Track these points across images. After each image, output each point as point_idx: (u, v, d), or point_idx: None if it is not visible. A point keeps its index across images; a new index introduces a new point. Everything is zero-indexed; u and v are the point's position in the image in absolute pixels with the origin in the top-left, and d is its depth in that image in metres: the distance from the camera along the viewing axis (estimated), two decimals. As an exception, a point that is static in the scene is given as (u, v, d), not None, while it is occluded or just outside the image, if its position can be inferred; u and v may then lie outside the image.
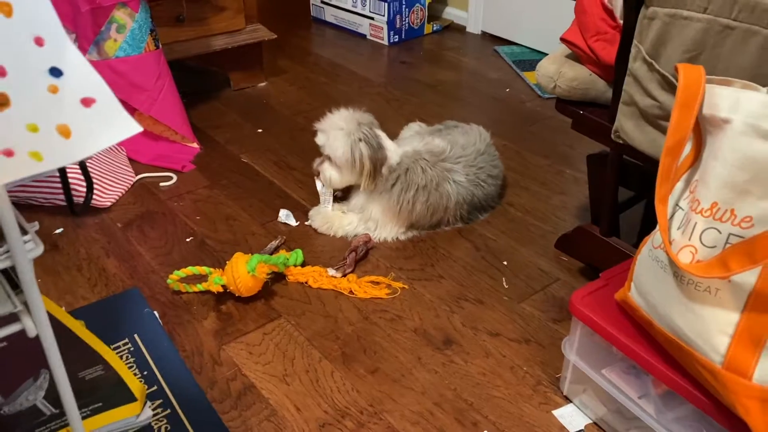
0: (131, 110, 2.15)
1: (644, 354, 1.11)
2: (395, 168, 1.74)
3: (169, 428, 1.21)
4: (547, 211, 1.96)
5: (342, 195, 1.93)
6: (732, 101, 0.95)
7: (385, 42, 3.18)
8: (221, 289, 1.50)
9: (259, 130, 2.41)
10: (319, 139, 1.75)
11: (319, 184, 1.86)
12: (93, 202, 1.89)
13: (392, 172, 1.74)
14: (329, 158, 1.73)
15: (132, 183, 2.03)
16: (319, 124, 1.75)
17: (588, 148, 2.25)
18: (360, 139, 1.69)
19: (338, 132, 1.70)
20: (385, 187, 1.75)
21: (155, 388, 1.30)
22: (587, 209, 1.95)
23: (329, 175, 1.77)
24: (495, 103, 2.71)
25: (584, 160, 1.73)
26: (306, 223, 1.85)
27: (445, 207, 1.79)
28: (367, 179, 1.72)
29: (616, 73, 1.37)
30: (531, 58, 3.02)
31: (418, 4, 3.20)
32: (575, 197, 2.04)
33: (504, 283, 1.65)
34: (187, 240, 1.79)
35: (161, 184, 2.04)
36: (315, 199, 1.95)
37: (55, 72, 0.65)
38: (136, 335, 1.38)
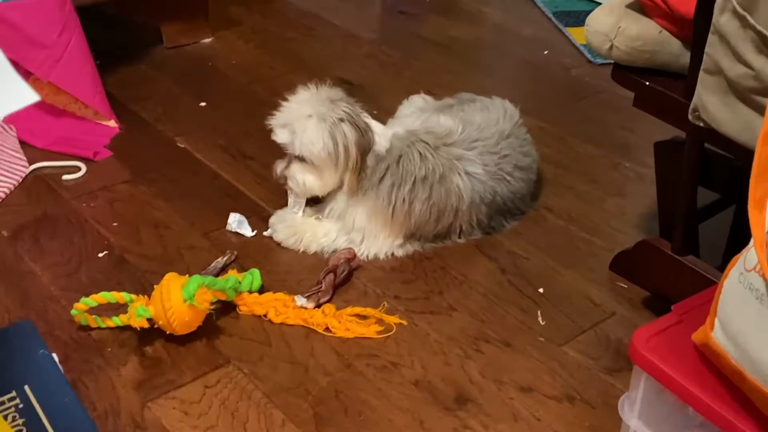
0: (25, 74, 2.14)
1: (732, 418, 1.11)
2: (384, 156, 1.74)
3: None
4: (599, 220, 1.96)
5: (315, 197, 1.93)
6: None
7: (378, -16, 3.19)
8: (147, 324, 1.49)
9: (202, 104, 2.41)
10: (280, 137, 1.75)
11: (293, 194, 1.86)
12: (-31, 201, 1.89)
13: (380, 162, 1.74)
14: (299, 158, 1.73)
15: (23, 176, 2.02)
16: (275, 118, 1.75)
17: (656, 132, 2.25)
18: (341, 120, 1.69)
19: (307, 121, 1.70)
20: (371, 183, 1.75)
21: (53, 462, 1.29)
22: (654, 217, 1.95)
23: (303, 181, 1.76)
24: (528, 69, 2.73)
25: (650, 149, 1.73)
26: (266, 233, 1.85)
27: (454, 209, 1.79)
28: (353, 175, 1.72)
29: (695, 29, 1.37)
30: (578, 9, 3.04)
31: (423, -67, 3.21)
32: (638, 200, 2.05)
33: (539, 319, 1.65)
34: (100, 255, 1.78)
35: (65, 177, 2.03)
36: (279, 200, 1.94)
37: None
38: (26, 387, 1.37)
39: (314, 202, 1.90)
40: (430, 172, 1.74)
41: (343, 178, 1.73)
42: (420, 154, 1.75)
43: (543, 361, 1.54)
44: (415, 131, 1.80)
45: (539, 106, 2.44)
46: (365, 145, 1.71)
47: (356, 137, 1.69)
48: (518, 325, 1.63)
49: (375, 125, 1.77)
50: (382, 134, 1.76)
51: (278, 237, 1.82)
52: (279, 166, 1.80)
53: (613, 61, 1.57)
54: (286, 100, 1.76)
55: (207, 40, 2.76)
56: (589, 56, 2.73)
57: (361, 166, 1.72)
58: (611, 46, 1.52)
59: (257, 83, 2.53)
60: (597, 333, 1.62)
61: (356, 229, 1.78)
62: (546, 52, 2.80)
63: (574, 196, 2.05)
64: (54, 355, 1.43)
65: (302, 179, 1.76)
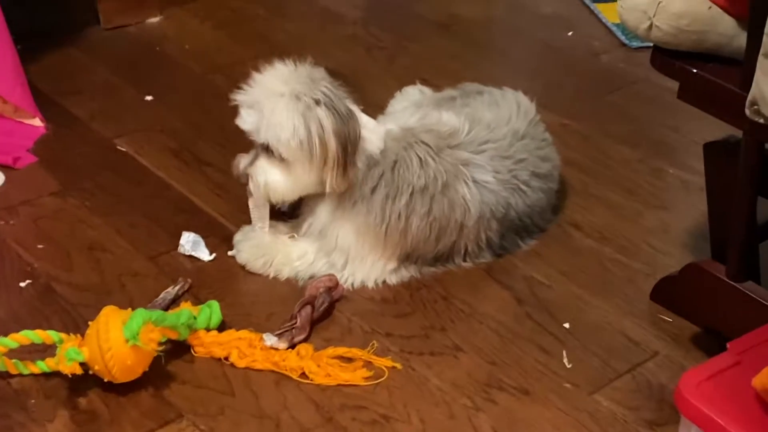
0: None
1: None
2: (377, 159, 1.74)
3: None
4: (636, 238, 1.97)
5: (289, 210, 1.92)
6: None
7: (364, -49, 3.20)
8: (79, 371, 1.48)
9: (148, 98, 2.41)
10: (245, 121, 1.74)
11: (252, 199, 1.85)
12: None
13: (372, 168, 1.74)
14: (266, 149, 1.73)
15: (-73, 186, 2.02)
16: (242, 94, 1.74)
17: (705, 131, 2.26)
18: (317, 102, 1.69)
19: (278, 100, 1.69)
20: (362, 194, 1.75)
21: None
22: (704, 235, 1.95)
23: (269, 181, 1.75)
24: (548, 54, 2.74)
25: (698, 151, 1.74)
26: (230, 253, 1.85)
27: (459, 224, 1.79)
28: (334, 173, 1.71)
29: (751, 5, 1.38)
30: (608, -19, 3.05)
31: None
32: (684, 214, 2.05)
33: (565, 361, 1.64)
34: (22, 285, 1.77)
35: (-22, 188, 2.03)
36: (243, 216, 1.94)
37: None
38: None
39: (287, 217, 1.90)
40: (431, 180, 1.75)
41: (324, 177, 1.72)
42: (419, 158, 1.75)
43: (569, 413, 1.54)
44: (412, 130, 1.80)
45: (562, 100, 2.45)
46: (347, 136, 1.69)
47: (334, 125, 1.67)
48: (539, 368, 1.63)
49: (365, 119, 1.77)
50: (373, 131, 1.76)
51: (242, 258, 1.82)
52: (242, 161, 1.78)
53: (652, 44, 1.57)
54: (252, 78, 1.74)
55: (154, 20, 2.77)
56: (623, 38, 2.75)
57: (346, 161, 1.70)
58: (650, 26, 1.53)
59: (215, 72, 2.53)
60: (635, 377, 1.62)
61: (339, 249, 1.78)
62: (570, 34, 2.82)
63: (606, 209, 2.05)
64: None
65: (269, 179, 1.74)
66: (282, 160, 1.72)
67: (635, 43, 2.69)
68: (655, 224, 2.01)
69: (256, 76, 1.73)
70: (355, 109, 1.75)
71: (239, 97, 1.74)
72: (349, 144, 1.69)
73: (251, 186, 1.78)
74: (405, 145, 1.76)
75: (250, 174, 1.76)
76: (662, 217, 2.03)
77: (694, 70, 1.52)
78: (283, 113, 1.68)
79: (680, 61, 1.54)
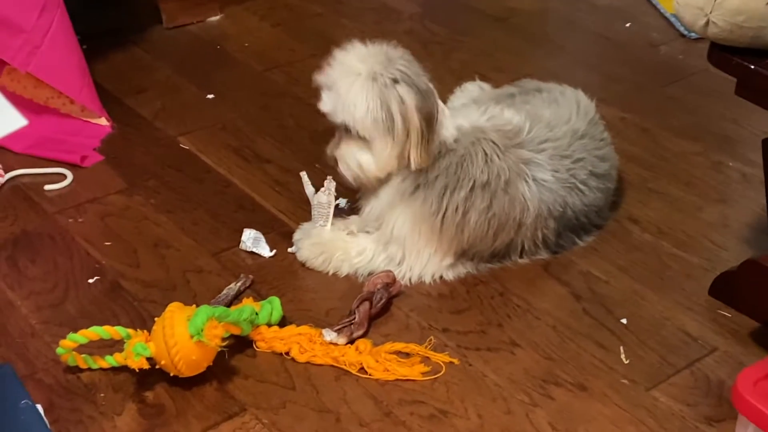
0: (-1, 65, 2.20)
1: None
2: (451, 148, 1.75)
3: None
4: (695, 233, 1.96)
5: (347, 209, 1.94)
6: None
7: (421, -55, 3.20)
8: (146, 365, 1.51)
9: (210, 96, 2.44)
10: (325, 103, 1.76)
11: (309, 189, 1.88)
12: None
13: (442, 156, 1.75)
14: (346, 130, 1.75)
15: (-1, 185, 2.08)
16: (322, 76, 1.75)
17: (766, 123, 2.23)
18: (395, 80, 1.69)
19: (354, 79, 1.70)
20: (425, 180, 1.76)
21: None
22: (765, 229, 1.94)
23: (357, 162, 1.76)
24: (606, 47, 2.72)
25: (759, 145, 1.72)
26: (290, 250, 1.88)
27: (518, 222, 1.80)
28: (419, 148, 1.70)
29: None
30: (667, -29, 3.02)
31: None
32: (744, 208, 2.03)
33: (622, 357, 1.65)
34: (90, 281, 1.81)
35: (47, 187, 2.08)
36: (302, 213, 1.97)
37: None
38: (5, 442, 1.40)
39: (348, 212, 1.91)
40: (494, 177, 1.75)
41: (407, 153, 1.72)
42: (485, 154, 1.76)
43: (627, 409, 1.54)
44: (482, 128, 1.81)
45: (620, 93, 2.43)
46: (429, 111, 1.70)
47: (416, 100, 1.68)
48: (596, 364, 1.63)
49: (441, 104, 1.78)
50: (449, 119, 1.77)
51: (302, 256, 1.84)
52: (330, 145, 1.80)
53: (710, 39, 1.56)
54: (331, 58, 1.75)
55: (215, 18, 2.80)
56: (681, 29, 2.72)
57: (430, 137, 1.71)
58: (707, 22, 1.52)
59: (275, 70, 2.56)
60: (694, 374, 1.61)
61: (395, 240, 1.79)
62: (628, 25, 2.80)
63: (665, 203, 2.04)
64: (39, 406, 1.46)
65: (356, 159, 1.75)
66: (362, 138, 1.73)
67: (694, 34, 2.66)
68: (715, 218, 1.99)
69: (335, 55, 1.74)
70: (434, 89, 1.76)
71: (319, 79, 1.75)
72: (430, 119, 1.70)
73: (341, 168, 1.79)
74: (473, 140, 1.77)
75: (336, 156, 1.78)
76: (722, 211, 2.02)
77: (752, 66, 1.51)
78: (357, 92, 1.69)
79: (737, 57, 1.53)
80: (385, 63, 1.70)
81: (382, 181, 1.79)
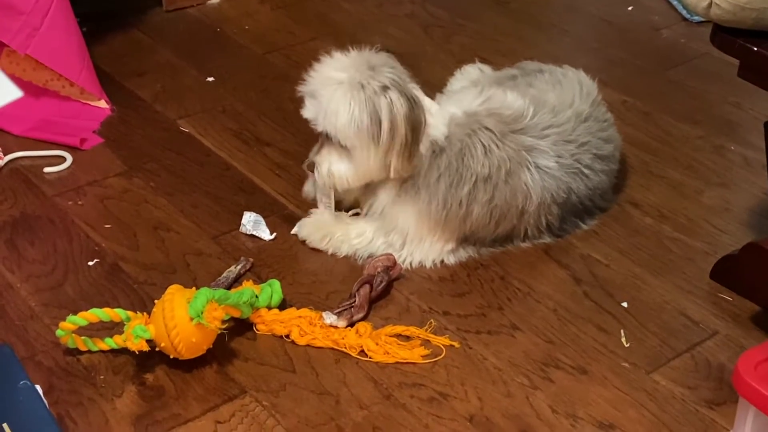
0: (-2, 47, 2.19)
1: None
2: (442, 146, 1.75)
3: None
4: (696, 216, 1.95)
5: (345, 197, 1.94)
6: None
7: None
8: (146, 347, 1.51)
9: (210, 79, 2.44)
10: (308, 110, 1.75)
11: (308, 185, 1.87)
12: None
13: (438, 156, 1.74)
14: (328, 137, 1.74)
15: (-1, 168, 2.08)
16: (304, 85, 1.75)
17: (767, 109, 2.23)
18: (385, 87, 1.69)
19: (335, 88, 1.70)
20: (425, 182, 1.75)
21: None
22: (766, 213, 1.94)
23: (334, 171, 1.76)
24: (608, 31, 2.71)
25: (761, 129, 1.72)
26: (292, 231, 1.88)
27: (520, 210, 1.80)
28: (401, 158, 1.70)
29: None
30: (670, -46, 3.01)
31: None
32: (745, 192, 2.03)
33: (623, 340, 1.65)
34: (90, 264, 1.81)
35: (46, 169, 2.08)
36: (302, 195, 1.97)
37: None
38: (5, 425, 1.40)
39: (346, 206, 1.91)
40: (494, 169, 1.75)
41: (388, 162, 1.72)
42: (483, 146, 1.75)
43: (627, 392, 1.54)
44: (476, 114, 1.79)
45: (621, 77, 2.43)
46: (416, 120, 1.70)
47: (406, 109, 1.68)
48: (596, 347, 1.63)
49: (428, 103, 1.77)
50: (437, 115, 1.76)
51: (303, 234, 1.84)
52: (312, 151, 1.79)
53: (713, 22, 1.56)
54: (312, 68, 1.75)
55: (215, 1, 2.79)
56: (684, 12, 2.72)
57: (413, 147, 1.71)
58: (710, 4, 1.51)
59: (275, 53, 2.56)
60: (694, 357, 1.61)
61: (398, 230, 1.80)
62: (630, 9, 2.79)
63: (666, 187, 2.04)
64: (38, 387, 1.47)
65: (333, 169, 1.75)
66: (343, 147, 1.72)
67: (696, 18, 2.65)
68: (716, 202, 1.99)
69: (315, 65, 1.74)
70: (420, 93, 1.76)
71: (302, 88, 1.75)
72: (415, 130, 1.70)
73: (316, 175, 1.79)
74: (469, 131, 1.76)
75: (315, 162, 1.78)
76: (723, 195, 2.01)
77: (755, 48, 1.51)
78: (339, 101, 1.69)
79: (740, 39, 1.52)
80: (368, 72, 1.70)
81: (378, 183, 1.79)
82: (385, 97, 1.68)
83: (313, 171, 1.80)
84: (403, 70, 1.75)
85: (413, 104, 1.69)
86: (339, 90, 1.69)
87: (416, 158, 1.72)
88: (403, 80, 1.72)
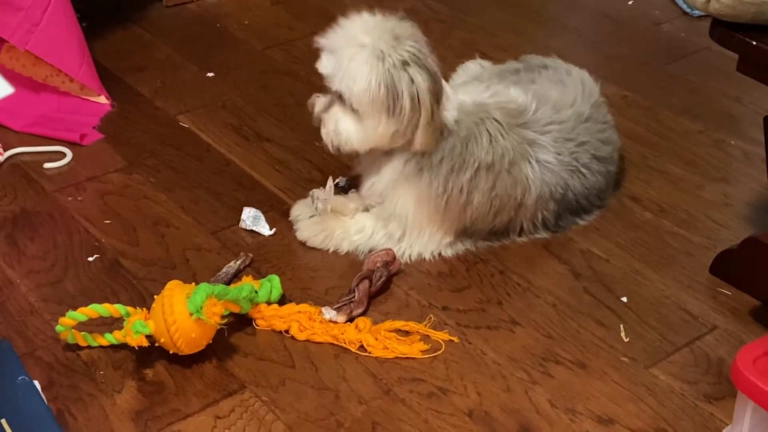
0: (-3, 42, 2.19)
1: None
2: (451, 130, 1.74)
3: None
4: (696, 211, 1.95)
5: (347, 186, 1.94)
6: None
7: None
8: (146, 343, 1.51)
9: (210, 75, 2.44)
10: (324, 65, 1.72)
11: (317, 193, 1.85)
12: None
13: (445, 138, 1.74)
14: (340, 97, 1.72)
15: (-1, 164, 2.08)
16: (325, 38, 1.72)
17: (767, 103, 2.23)
18: (405, 63, 1.66)
19: (357, 51, 1.67)
20: (429, 163, 1.74)
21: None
22: (766, 207, 1.94)
23: (341, 130, 1.73)
24: (608, 25, 2.70)
25: (760, 123, 1.71)
26: (295, 224, 1.88)
27: (518, 202, 1.80)
28: (429, 130, 1.67)
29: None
30: (670, -52, 3.01)
31: None
32: (745, 186, 2.03)
33: (622, 335, 1.65)
34: (90, 259, 1.82)
35: (46, 165, 2.08)
36: (302, 191, 1.96)
37: None
38: (3, 421, 1.40)
39: (348, 189, 1.91)
40: (498, 158, 1.74)
41: (403, 134, 1.69)
42: (490, 134, 1.75)
43: (626, 387, 1.54)
44: (484, 105, 1.79)
45: (621, 71, 2.42)
46: (438, 93, 1.68)
47: (428, 83, 1.66)
48: (596, 342, 1.63)
49: (445, 85, 1.76)
50: (449, 98, 1.75)
51: (302, 236, 1.84)
52: (318, 103, 1.76)
53: (712, 16, 1.55)
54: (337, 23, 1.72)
55: (214, -4, 2.80)
56: (684, 6, 2.71)
57: (437, 119, 1.68)
58: (710, -2, 1.52)
59: (275, 48, 2.55)
60: (693, 352, 1.61)
61: (397, 218, 1.79)
62: (630, 3, 2.78)
63: (666, 182, 2.04)
64: (36, 382, 1.47)
65: (341, 127, 1.72)
66: (354, 111, 1.70)
67: (697, 12, 2.65)
68: (716, 197, 1.99)
69: (341, 20, 1.72)
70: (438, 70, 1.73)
71: (321, 41, 1.72)
72: (439, 102, 1.69)
73: (322, 131, 1.76)
74: (477, 119, 1.76)
75: (323, 119, 1.76)
76: (723, 190, 2.01)
77: (754, 42, 1.50)
78: (359, 65, 1.66)
79: (739, 33, 1.52)
80: (392, 42, 1.67)
81: (384, 160, 1.78)
82: (406, 72, 1.66)
83: (320, 125, 1.76)
84: (425, 44, 1.72)
85: (434, 78, 1.68)
86: (361, 54, 1.66)
87: (439, 131, 1.70)
88: (424, 54, 1.69)
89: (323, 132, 1.76)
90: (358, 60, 1.66)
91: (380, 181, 1.80)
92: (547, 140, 1.80)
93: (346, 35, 1.69)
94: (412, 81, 1.66)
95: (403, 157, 1.75)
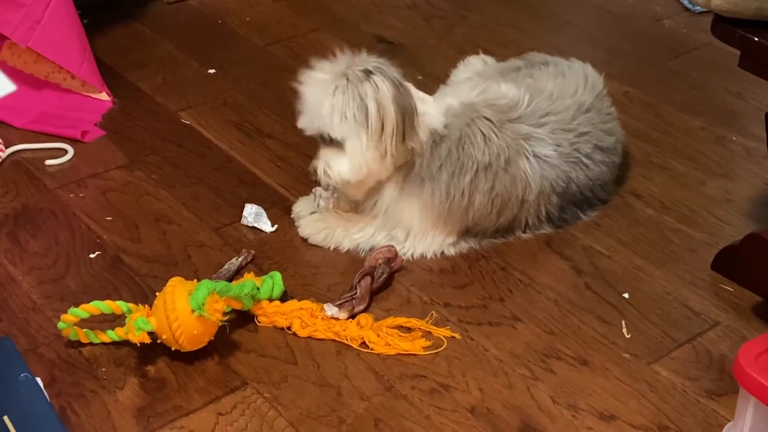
0: (-1, 39, 2.19)
1: None
2: (442, 135, 1.74)
3: None
4: (698, 207, 1.95)
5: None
6: None
7: None
8: (148, 340, 1.52)
9: (211, 71, 2.44)
10: (301, 120, 1.74)
11: (318, 191, 1.86)
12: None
13: (438, 144, 1.74)
14: (323, 139, 1.72)
15: None
16: (297, 101, 1.73)
17: (769, 98, 2.23)
18: (368, 72, 1.67)
19: (317, 87, 1.69)
20: (429, 171, 1.74)
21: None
22: (767, 203, 1.94)
23: (332, 167, 1.73)
24: (610, 21, 2.70)
25: (762, 119, 1.71)
26: (296, 222, 1.88)
27: (520, 199, 1.80)
28: (394, 140, 1.67)
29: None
30: (672, -56, 3.00)
31: None
32: (747, 182, 2.03)
33: (624, 331, 1.65)
34: (92, 256, 1.82)
35: (48, 162, 2.08)
36: (304, 187, 1.97)
37: None
38: (5, 418, 1.40)
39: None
40: (494, 157, 1.74)
41: (384, 150, 1.69)
42: (483, 134, 1.74)
43: (628, 383, 1.54)
44: (473, 105, 1.79)
45: (623, 67, 2.42)
46: (405, 103, 1.68)
47: (391, 91, 1.66)
48: (597, 338, 1.63)
49: (420, 94, 1.76)
50: (432, 105, 1.76)
51: (304, 232, 1.84)
52: (312, 163, 1.78)
53: (714, 12, 1.55)
54: (309, 65, 1.74)
55: (215, -7, 2.80)
56: (685, 3, 2.71)
57: (405, 129, 1.68)
58: (711, -6, 1.52)
59: (276, 45, 2.55)
60: (695, 348, 1.62)
61: (402, 226, 1.80)
62: (632, -1, 2.79)
63: (668, 178, 2.04)
64: (38, 379, 1.47)
65: (335, 169, 1.72)
66: (336, 144, 1.71)
67: (698, 8, 2.65)
68: (718, 193, 1.99)
69: (301, 79, 1.72)
70: (407, 83, 1.74)
71: (297, 103, 1.74)
72: (406, 111, 1.68)
73: (323, 179, 1.77)
74: (467, 121, 1.75)
75: (316, 168, 1.76)
76: (725, 186, 2.01)
77: (756, 39, 1.50)
78: (321, 95, 1.68)
79: (741, 30, 1.52)
80: (351, 62, 1.69)
81: (383, 181, 1.77)
82: (370, 82, 1.66)
83: (317, 178, 1.78)
84: (387, 60, 1.72)
85: (398, 87, 1.68)
86: (321, 86, 1.68)
87: (413, 142, 1.70)
88: (386, 65, 1.70)
89: (319, 177, 1.76)
90: (320, 91, 1.68)
91: (382, 200, 1.80)
92: (544, 132, 1.80)
93: (308, 85, 1.71)
94: (377, 88, 1.65)
95: (401, 174, 1.76)
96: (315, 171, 1.77)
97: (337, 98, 1.66)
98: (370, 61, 1.70)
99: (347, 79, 1.66)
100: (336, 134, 1.69)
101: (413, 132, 1.70)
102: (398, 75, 1.71)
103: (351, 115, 1.67)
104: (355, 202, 1.86)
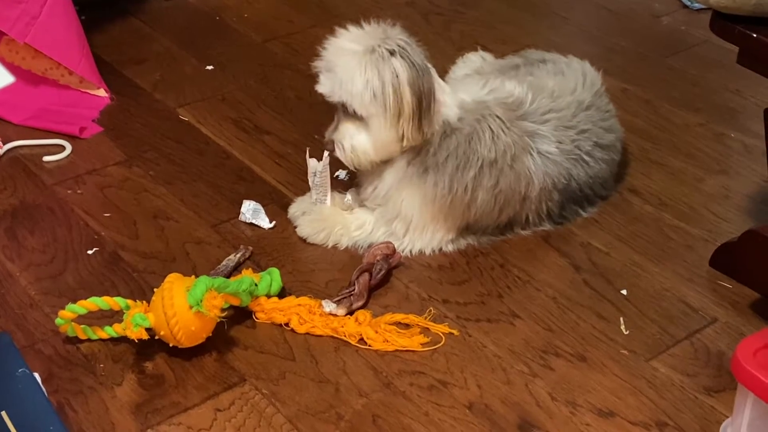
0: (-4, 35, 2.18)
1: None
2: (454, 128, 1.74)
3: None
4: (696, 204, 1.95)
5: (348, 177, 1.94)
6: None
7: None
8: (146, 336, 1.52)
9: (209, 68, 2.43)
10: (323, 84, 1.73)
11: (312, 164, 1.86)
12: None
13: (448, 136, 1.73)
14: (344, 110, 1.72)
15: (-2, 157, 2.08)
16: (319, 60, 1.73)
17: (767, 96, 2.23)
18: (392, 52, 1.67)
19: (350, 57, 1.68)
20: (434, 162, 1.74)
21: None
22: (766, 200, 1.94)
23: (356, 145, 1.73)
24: (608, 18, 2.70)
25: (761, 116, 1.71)
26: (295, 222, 1.88)
27: (522, 196, 1.80)
28: (409, 125, 1.68)
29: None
30: (670, -59, 3.00)
31: None
32: (745, 179, 2.03)
33: (622, 327, 1.65)
34: (90, 252, 1.82)
35: (45, 158, 2.08)
36: (302, 184, 1.96)
37: None
38: (3, 414, 1.40)
39: (348, 187, 1.91)
40: (500, 154, 1.74)
41: (399, 131, 1.69)
42: (492, 131, 1.74)
43: (626, 380, 1.55)
44: (485, 102, 1.79)
45: (622, 64, 2.42)
46: (421, 87, 1.67)
47: (409, 74, 1.66)
48: (596, 335, 1.63)
49: (441, 83, 1.76)
50: (450, 96, 1.75)
51: (303, 232, 1.84)
52: (328, 131, 1.77)
53: (712, 8, 1.55)
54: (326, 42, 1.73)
55: (214, -11, 2.79)
56: (685, 0, 2.71)
57: (421, 114, 1.68)
58: (710, -10, 1.51)
59: (274, 41, 2.55)
60: (693, 344, 1.62)
61: (401, 218, 1.79)
62: (630, -4, 2.79)
63: (666, 174, 2.04)
64: (36, 374, 1.47)
65: (355, 142, 1.72)
66: (360, 118, 1.70)
67: (697, 5, 2.65)
68: (716, 190, 1.99)
69: (329, 39, 1.72)
70: (431, 68, 1.73)
71: (317, 64, 1.73)
72: (423, 96, 1.68)
73: (337, 152, 1.76)
74: (479, 117, 1.75)
75: (334, 140, 1.76)
76: (723, 183, 2.01)
77: (754, 35, 1.50)
78: (354, 68, 1.67)
79: (740, 26, 1.52)
80: (382, 37, 1.68)
81: (386, 164, 1.77)
82: (390, 63, 1.66)
83: (333, 149, 1.77)
84: (415, 44, 1.72)
85: (419, 71, 1.67)
86: (354, 58, 1.67)
87: (428, 128, 1.70)
88: (412, 48, 1.69)
89: (339, 155, 1.75)
90: (352, 64, 1.67)
91: (383, 184, 1.80)
92: (547, 129, 1.80)
93: (337, 49, 1.70)
94: (395, 72, 1.66)
95: (405, 158, 1.75)
96: (332, 143, 1.76)
97: (368, 73, 1.66)
98: (398, 38, 1.68)
99: (376, 56, 1.66)
100: (362, 110, 1.68)
101: (430, 118, 1.70)
102: (422, 58, 1.70)
103: (378, 94, 1.66)
104: (354, 196, 1.86)
